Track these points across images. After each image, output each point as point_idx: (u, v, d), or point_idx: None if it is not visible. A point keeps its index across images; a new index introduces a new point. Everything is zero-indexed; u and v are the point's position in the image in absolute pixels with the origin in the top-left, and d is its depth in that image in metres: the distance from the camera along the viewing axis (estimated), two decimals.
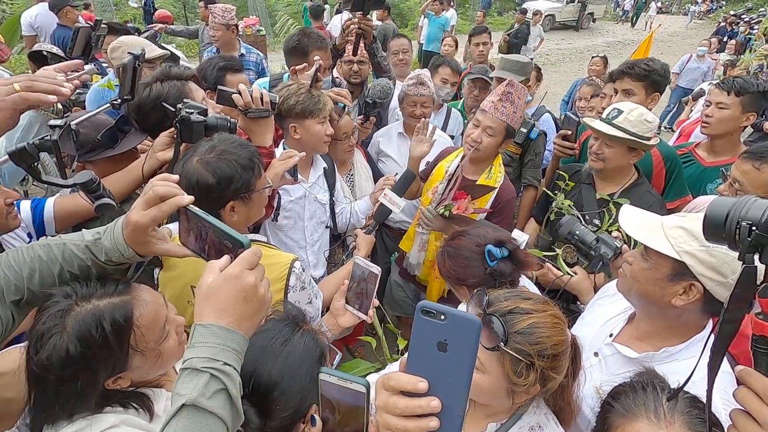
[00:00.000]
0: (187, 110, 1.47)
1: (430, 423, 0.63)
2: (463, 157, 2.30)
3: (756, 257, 0.70)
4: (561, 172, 2.22)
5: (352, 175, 2.75)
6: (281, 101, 2.04)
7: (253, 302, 0.83)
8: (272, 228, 2.28)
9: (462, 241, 1.65)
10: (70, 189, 1.60)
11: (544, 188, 2.33)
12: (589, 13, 19.83)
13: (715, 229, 0.75)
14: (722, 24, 15.30)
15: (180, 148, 1.53)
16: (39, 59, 3.87)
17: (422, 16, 9.32)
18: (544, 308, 1.14)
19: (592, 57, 6.04)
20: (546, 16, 17.07)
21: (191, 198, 0.96)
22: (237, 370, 0.80)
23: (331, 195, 2.43)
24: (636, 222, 1.28)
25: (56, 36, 5.10)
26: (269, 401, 1.00)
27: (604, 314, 1.51)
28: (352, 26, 2.57)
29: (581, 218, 2.08)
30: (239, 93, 1.64)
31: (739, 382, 0.74)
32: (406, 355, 0.66)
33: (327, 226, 2.45)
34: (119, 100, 1.38)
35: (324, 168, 2.38)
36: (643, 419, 0.93)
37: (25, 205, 1.56)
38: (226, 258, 0.85)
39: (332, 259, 2.57)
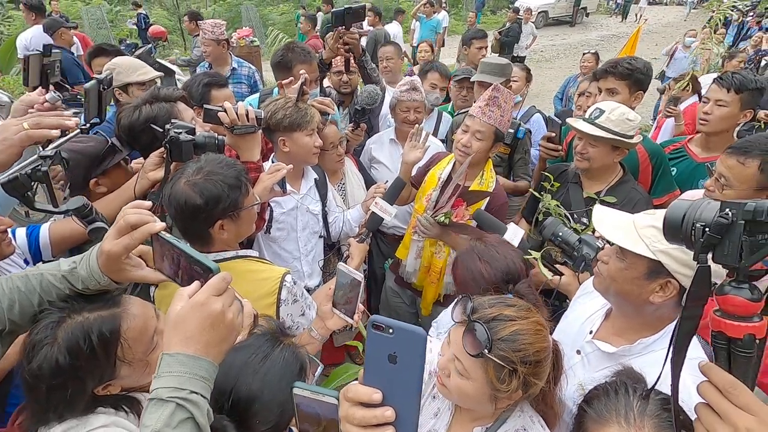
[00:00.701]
0: (176, 130, 1.52)
1: None
2: (455, 164, 2.33)
3: (709, 256, 0.73)
4: (546, 173, 2.24)
5: (343, 184, 2.78)
6: (269, 116, 2.08)
7: (220, 328, 0.84)
8: (266, 240, 2.31)
9: (485, 268, 1.59)
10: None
11: (532, 190, 2.35)
12: (582, 8, 19.82)
13: (673, 230, 0.79)
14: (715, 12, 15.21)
15: (171, 168, 1.57)
16: None
17: (414, 19, 9.37)
18: (527, 315, 1.16)
19: (583, 53, 6.06)
20: (539, 13, 17.08)
21: (163, 225, 0.99)
22: (205, 397, 0.81)
23: (323, 205, 2.46)
24: (610, 223, 1.30)
25: None
26: (249, 416, 1.02)
27: (584, 312, 1.54)
28: (338, 41, 2.60)
29: (569, 217, 2.11)
30: (225, 110, 1.68)
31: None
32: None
33: (320, 236, 2.48)
34: (87, 125, 1.41)
35: (315, 179, 2.42)
36: (614, 424, 0.94)
37: (21, 232, 1.59)
38: (195, 284, 0.86)
39: (327, 268, 2.60)
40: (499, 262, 1.60)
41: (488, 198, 2.23)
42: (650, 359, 1.22)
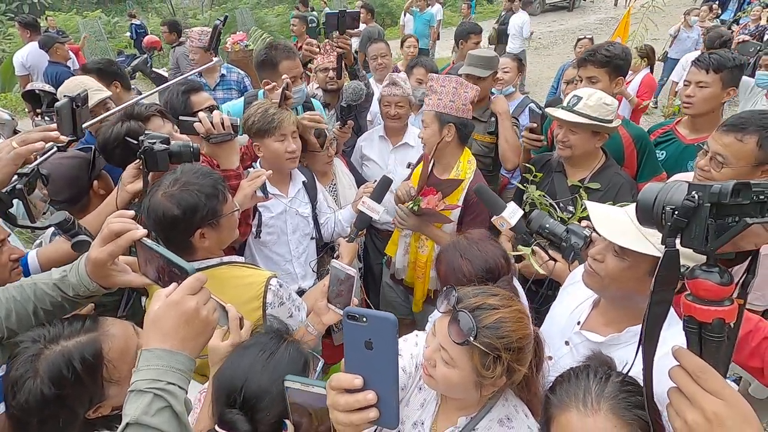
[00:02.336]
0: (150, 141, 1.54)
1: (370, 414, 0.72)
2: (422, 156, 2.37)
3: (678, 241, 0.72)
4: (528, 165, 2.25)
5: (334, 184, 2.78)
6: (245, 121, 2.11)
7: (195, 324, 0.89)
8: (257, 244, 2.33)
9: (466, 266, 1.61)
10: (50, 234, 1.69)
11: (516, 183, 2.36)
12: None
13: (645, 213, 0.78)
14: None
15: (148, 178, 1.60)
16: (32, 98, 3.99)
17: (404, 14, 9.28)
18: (510, 304, 1.19)
19: (578, 39, 5.98)
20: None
21: (144, 231, 1.04)
22: (183, 387, 0.86)
23: (313, 207, 2.47)
24: (609, 224, 1.27)
25: (48, 73, 5.23)
26: (259, 409, 1.06)
27: (572, 302, 1.54)
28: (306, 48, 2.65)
29: (555, 206, 2.10)
30: (199, 120, 1.71)
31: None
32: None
33: (312, 238, 2.49)
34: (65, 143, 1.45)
35: (303, 181, 2.42)
36: (573, 409, 0.95)
37: None
38: (172, 285, 0.92)
39: (321, 268, 2.61)
40: (479, 260, 1.61)
41: (466, 189, 2.26)
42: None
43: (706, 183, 0.69)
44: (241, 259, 1.72)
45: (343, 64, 2.77)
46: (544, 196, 2.11)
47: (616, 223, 1.26)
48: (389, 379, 0.72)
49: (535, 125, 2.32)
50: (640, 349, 0.80)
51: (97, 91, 2.54)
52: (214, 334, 1.20)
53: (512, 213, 1.85)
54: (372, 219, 2.13)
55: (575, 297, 1.54)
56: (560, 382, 1.02)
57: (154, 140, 1.53)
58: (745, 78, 3.45)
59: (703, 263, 0.72)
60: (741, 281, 0.75)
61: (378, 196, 2.17)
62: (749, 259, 0.75)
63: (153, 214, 1.43)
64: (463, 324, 1.11)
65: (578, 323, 1.44)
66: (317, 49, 2.68)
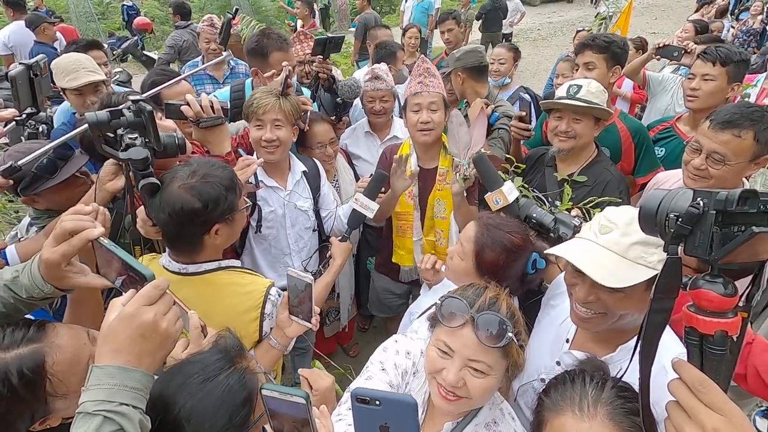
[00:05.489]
0: (130, 136, 1.37)
1: None
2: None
3: (680, 248, 0.71)
4: (509, 156, 2.20)
5: (337, 180, 2.71)
6: None
7: (152, 338, 0.82)
8: (256, 239, 2.27)
9: (515, 237, 1.51)
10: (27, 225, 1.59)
11: (501, 173, 2.31)
12: None
13: (648, 220, 0.76)
14: None
15: (130, 175, 1.47)
16: None
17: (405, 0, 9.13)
18: (499, 289, 1.22)
19: (577, 31, 5.94)
20: None
21: (101, 230, 0.98)
22: (139, 407, 0.80)
23: (315, 200, 2.37)
24: (602, 272, 1.12)
25: (34, 53, 5.09)
26: None
27: (557, 316, 1.47)
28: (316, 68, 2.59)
29: (543, 200, 2.06)
30: (188, 104, 1.64)
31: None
32: None
33: (314, 230, 2.41)
34: (24, 116, 1.34)
35: (303, 171, 2.32)
36: (568, 413, 0.93)
37: None
38: (129, 294, 0.85)
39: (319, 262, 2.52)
40: (518, 227, 1.57)
41: None
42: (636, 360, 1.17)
43: (712, 189, 0.67)
44: (238, 263, 1.62)
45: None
46: (525, 187, 2.02)
47: (604, 263, 1.14)
48: None
49: (524, 114, 2.27)
50: (637, 357, 0.78)
51: (91, 71, 2.43)
52: (178, 343, 1.10)
53: (510, 190, 1.78)
54: (366, 217, 2.04)
55: (560, 310, 1.47)
56: (554, 385, 1.01)
57: (135, 135, 1.36)
58: (653, 74, 3.45)
59: (707, 273, 0.70)
60: (745, 293, 0.73)
61: (372, 193, 2.05)
62: (755, 271, 0.73)
63: (169, 207, 1.33)
64: (492, 325, 1.07)
65: (567, 341, 1.38)
66: (327, 71, 2.61)
